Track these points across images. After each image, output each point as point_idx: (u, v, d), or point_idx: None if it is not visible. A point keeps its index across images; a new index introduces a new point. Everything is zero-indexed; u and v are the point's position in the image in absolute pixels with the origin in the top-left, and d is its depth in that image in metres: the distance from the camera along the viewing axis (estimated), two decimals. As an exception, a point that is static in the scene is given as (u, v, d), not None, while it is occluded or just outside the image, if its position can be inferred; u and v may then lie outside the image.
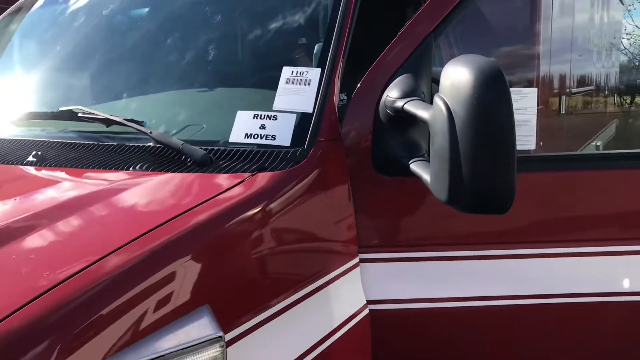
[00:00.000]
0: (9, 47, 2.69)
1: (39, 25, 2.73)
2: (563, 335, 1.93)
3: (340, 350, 1.69)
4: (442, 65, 1.44)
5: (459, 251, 1.84)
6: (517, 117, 1.41)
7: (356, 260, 1.80)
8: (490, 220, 1.63)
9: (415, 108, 1.55)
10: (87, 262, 1.17)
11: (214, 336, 1.23)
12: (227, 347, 1.29)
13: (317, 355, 1.58)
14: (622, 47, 3.76)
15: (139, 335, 1.14)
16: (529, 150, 1.85)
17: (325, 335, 1.64)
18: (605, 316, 1.93)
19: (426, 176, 1.51)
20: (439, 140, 1.38)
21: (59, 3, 2.66)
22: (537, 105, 1.84)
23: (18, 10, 2.85)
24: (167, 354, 1.16)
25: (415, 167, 1.61)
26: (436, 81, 1.61)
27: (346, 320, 1.73)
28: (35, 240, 1.31)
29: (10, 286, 1.15)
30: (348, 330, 1.73)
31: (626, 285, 1.87)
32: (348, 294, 1.76)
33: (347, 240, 1.78)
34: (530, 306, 1.88)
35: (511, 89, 1.35)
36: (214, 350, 1.23)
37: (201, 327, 1.22)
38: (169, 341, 1.17)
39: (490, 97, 1.28)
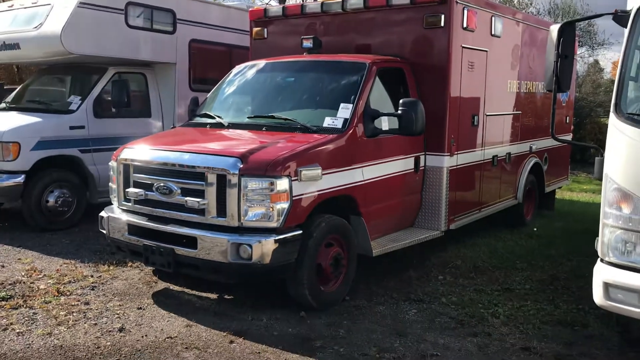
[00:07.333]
0: (239, 87, 6.93)
1: (255, 79, 6.97)
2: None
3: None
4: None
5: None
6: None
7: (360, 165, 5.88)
8: (365, 150, 5.78)
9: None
10: (291, 149, 5.32)
11: (319, 168, 5.34)
12: (322, 174, 5.38)
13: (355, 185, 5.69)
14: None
15: (301, 164, 5.26)
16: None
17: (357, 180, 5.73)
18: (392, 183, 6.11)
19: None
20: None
21: (256, 73, 6.90)
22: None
23: (234, 67, 7.10)
24: (311, 168, 5.26)
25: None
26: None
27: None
28: (274, 144, 5.48)
29: (274, 151, 5.28)
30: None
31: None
32: (349, 176, 5.84)
33: (355, 158, 5.85)
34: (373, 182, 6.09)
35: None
36: (319, 172, 5.33)
37: (316, 168, 5.32)
38: (310, 168, 5.28)
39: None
